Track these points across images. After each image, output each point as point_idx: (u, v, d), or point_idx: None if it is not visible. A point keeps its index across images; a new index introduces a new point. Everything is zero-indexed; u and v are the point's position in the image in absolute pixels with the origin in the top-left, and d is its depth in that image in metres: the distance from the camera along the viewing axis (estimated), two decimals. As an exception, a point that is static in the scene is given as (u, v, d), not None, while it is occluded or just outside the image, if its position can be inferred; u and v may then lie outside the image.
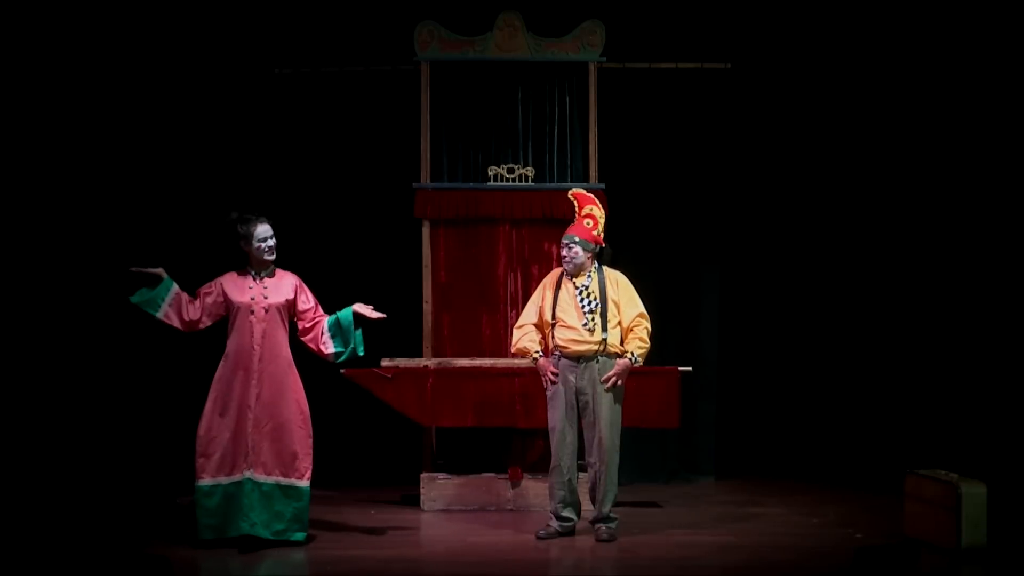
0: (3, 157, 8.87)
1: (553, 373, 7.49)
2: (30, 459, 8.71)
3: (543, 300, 7.58)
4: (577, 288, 7.46)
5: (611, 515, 7.58)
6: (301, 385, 7.43)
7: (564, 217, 8.57)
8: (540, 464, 8.52)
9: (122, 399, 9.09)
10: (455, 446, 8.64)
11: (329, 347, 7.47)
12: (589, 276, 7.48)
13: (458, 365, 8.45)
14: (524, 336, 7.59)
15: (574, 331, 7.43)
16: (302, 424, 7.39)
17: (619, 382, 7.46)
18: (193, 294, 7.39)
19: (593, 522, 7.62)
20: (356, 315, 7.44)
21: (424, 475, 8.47)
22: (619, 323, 7.47)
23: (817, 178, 9.61)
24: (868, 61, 9.46)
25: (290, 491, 7.33)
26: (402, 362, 8.43)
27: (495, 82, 8.69)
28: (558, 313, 7.48)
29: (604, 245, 7.59)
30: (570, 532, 7.62)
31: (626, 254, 9.31)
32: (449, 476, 8.48)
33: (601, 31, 8.60)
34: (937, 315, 9.44)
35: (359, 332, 7.45)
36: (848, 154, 9.56)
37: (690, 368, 8.54)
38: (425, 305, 8.62)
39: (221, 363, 7.36)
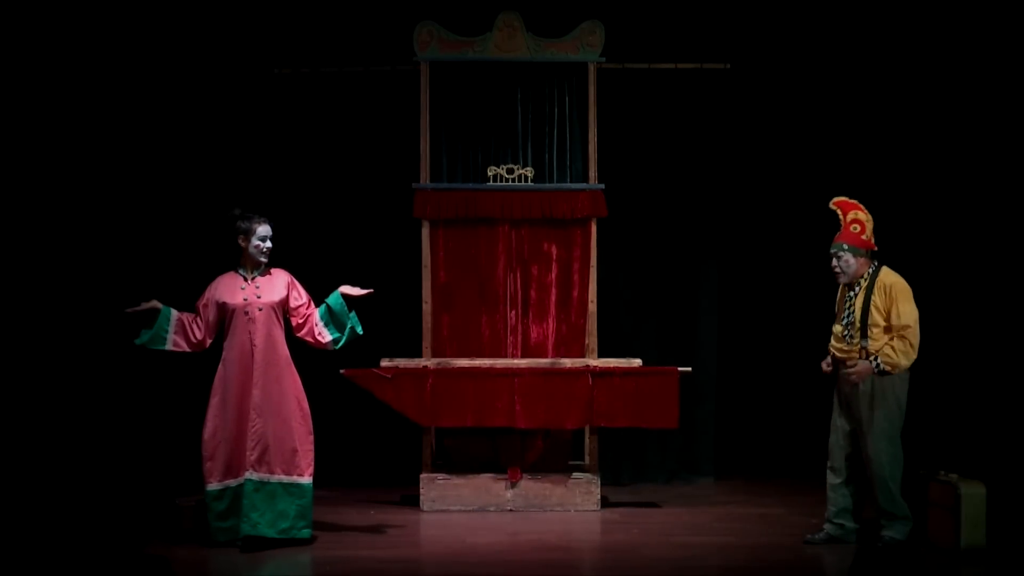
0: (4, 158, 8.86)
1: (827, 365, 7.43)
2: (31, 459, 8.70)
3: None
4: (845, 298, 7.39)
5: (885, 524, 7.29)
6: (300, 382, 7.44)
7: (564, 217, 8.61)
8: (539, 464, 8.52)
9: (122, 399, 9.08)
10: (454, 446, 8.63)
11: (326, 336, 7.48)
12: (858, 284, 7.31)
13: (457, 365, 8.45)
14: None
15: (838, 340, 7.36)
16: (302, 421, 7.40)
17: (856, 379, 7.20)
18: (192, 309, 7.41)
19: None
20: (345, 297, 7.47)
21: (424, 475, 8.47)
22: (885, 329, 7.24)
23: (815, 178, 9.59)
24: (867, 61, 9.46)
25: (292, 488, 7.34)
26: (402, 362, 8.43)
27: (494, 82, 8.69)
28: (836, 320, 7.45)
29: (875, 248, 7.39)
30: (843, 538, 7.38)
31: (625, 254, 9.38)
32: (448, 476, 8.48)
33: (600, 31, 8.59)
34: (935, 315, 9.42)
35: (353, 313, 7.46)
36: (847, 154, 9.55)
37: (689, 368, 8.54)
38: (425, 305, 8.62)
39: (220, 366, 7.37)
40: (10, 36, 8.81)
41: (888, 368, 7.17)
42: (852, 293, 7.33)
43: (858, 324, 7.24)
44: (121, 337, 7.55)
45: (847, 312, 7.32)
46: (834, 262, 7.36)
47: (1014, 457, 8.80)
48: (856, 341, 7.25)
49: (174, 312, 7.36)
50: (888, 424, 7.22)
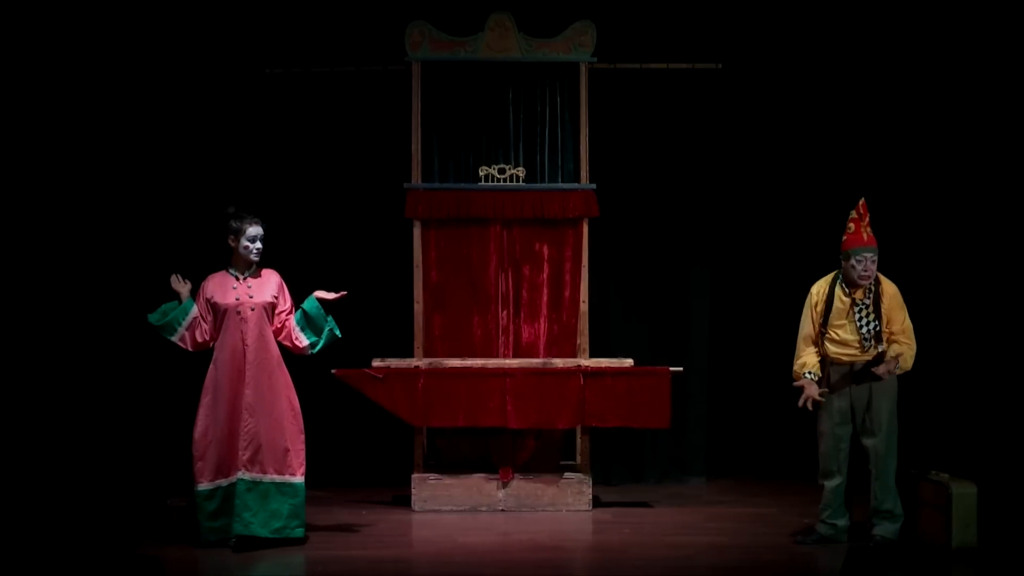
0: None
1: (815, 394, 7.33)
2: (24, 461, 8.69)
3: (813, 314, 7.44)
4: (857, 304, 7.31)
5: (876, 523, 7.35)
6: (291, 382, 7.44)
7: (555, 217, 8.60)
8: (531, 464, 8.52)
9: (114, 400, 9.07)
10: (446, 446, 8.63)
11: (302, 340, 7.48)
12: (869, 291, 7.31)
13: (449, 365, 8.44)
14: (802, 356, 7.48)
15: (848, 346, 7.32)
16: (293, 420, 7.40)
17: (886, 374, 7.21)
18: None
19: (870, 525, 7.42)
20: (321, 301, 7.47)
21: (415, 475, 8.47)
22: (890, 333, 7.30)
23: (808, 179, 9.61)
24: (859, 61, 9.47)
25: (285, 488, 7.33)
26: (393, 362, 8.42)
27: (486, 82, 8.68)
28: (829, 329, 7.36)
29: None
30: (834, 538, 7.39)
31: (617, 254, 9.38)
32: (440, 476, 8.47)
33: (592, 31, 8.60)
34: (928, 315, 9.44)
35: (331, 317, 7.47)
36: (839, 155, 9.56)
37: (681, 368, 8.54)
38: (416, 305, 8.61)
39: (211, 365, 7.36)
40: (5, 36, 8.80)
41: (903, 370, 7.28)
42: (866, 301, 7.31)
43: (874, 332, 7.29)
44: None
45: (864, 321, 7.30)
46: (867, 266, 7.28)
47: (1005, 457, 8.82)
48: (873, 347, 7.29)
49: (195, 309, 7.37)
50: (893, 419, 7.33)
